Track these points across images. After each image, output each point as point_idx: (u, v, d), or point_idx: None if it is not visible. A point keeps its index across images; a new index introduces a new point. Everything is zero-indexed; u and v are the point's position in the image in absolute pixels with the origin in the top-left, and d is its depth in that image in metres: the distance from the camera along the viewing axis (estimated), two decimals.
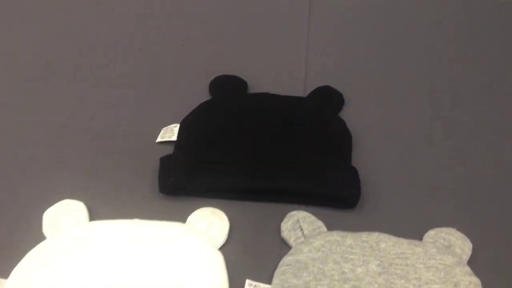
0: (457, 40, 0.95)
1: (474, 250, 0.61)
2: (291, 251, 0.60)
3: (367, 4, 1.03)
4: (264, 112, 0.76)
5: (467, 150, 0.75)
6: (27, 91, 0.82)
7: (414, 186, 0.70)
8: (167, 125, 0.75)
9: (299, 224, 0.62)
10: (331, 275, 0.57)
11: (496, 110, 0.81)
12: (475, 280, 0.57)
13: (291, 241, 0.61)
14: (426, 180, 0.71)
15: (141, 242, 0.59)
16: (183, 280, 0.56)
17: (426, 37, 0.95)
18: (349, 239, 0.60)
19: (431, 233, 0.62)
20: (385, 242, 0.60)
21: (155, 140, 0.73)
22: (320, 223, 0.63)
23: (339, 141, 0.73)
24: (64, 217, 0.61)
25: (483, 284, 0.57)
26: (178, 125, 0.74)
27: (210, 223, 0.61)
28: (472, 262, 0.60)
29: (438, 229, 0.63)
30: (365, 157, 0.73)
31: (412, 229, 0.63)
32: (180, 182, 0.65)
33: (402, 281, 0.56)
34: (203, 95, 0.81)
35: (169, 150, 0.71)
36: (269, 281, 0.57)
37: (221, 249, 0.60)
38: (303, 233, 0.61)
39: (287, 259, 0.58)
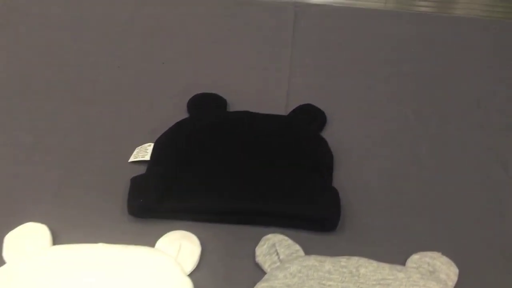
0: (444, 57, 0.93)
1: (460, 276, 0.58)
2: (265, 277, 0.56)
3: (352, 23, 1.01)
4: (242, 130, 0.73)
5: (455, 170, 0.72)
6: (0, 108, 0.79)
7: (398, 208, 0.67)
8: (142, 144, 0.72)
9: (275, 248, 0.59)
10: None
11: (484, 129, 0.79)
12: None
13: (266, 266, 0.58)
14: (411, 201, 0.67)
15: (105, 268, 0.55)
16: None
17: (410, 55, 0.93)
18: (328, 264, 0.57)
19: (415, 257, 0.59)
20: (366, 267, 0.56)
21: (129, 159, 0.70)
22: (297, 247, 0.59)
23: (320, 160, 0.70)
24: (26, 241, 0.58)
25: None
26: (152, 144, 0.71)
27: (179, 247, 0.58)
28: None
29: (423, 253, 0.59)
30: (347, 177, 0.70)
31: (395, 253, 0.60)
32: (150, 204, 0.62)
33: None
34: (182, 114, 0.78)
35: (142, 170, 0.68)
36: None
37: (192, 274, 0.57)
38: (279, 257, 0.58)
39: (260, 286, 0.55)
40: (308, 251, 0.59)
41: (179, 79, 0.87)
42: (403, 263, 0.59)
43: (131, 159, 0.70)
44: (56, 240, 0.59)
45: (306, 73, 0.89)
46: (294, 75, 0.88)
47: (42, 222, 0.60)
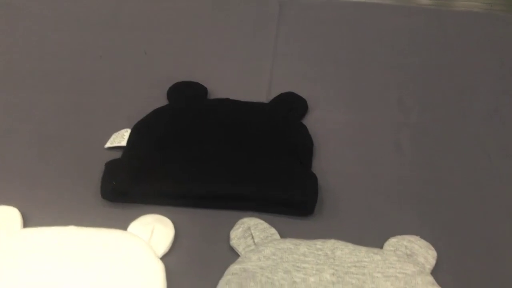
0: (426, 47, 0.92)
1: (438, 259, 0.57)
2: (239, 259, 0.55)
3: (336, 13, 1.00)
4: (221, 117, 0.72)
5: (434, 156, 0.71)
6: None
7: (377, 193, 0.66)
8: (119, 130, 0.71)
9: (250, 231, 0.58)
10: (281, 285, 0.52)
11: (465, 118, 0.78)
12: None
13: (241, 249, 0.56)
14: (390, 186, 0.66)
15: (75, 251, 0.54)
16: None
17: (393, 46, 0.92)
18: (303, 247, 0.56)
19: (393, 240, 0.58)
20: (341, 250, 0.55)
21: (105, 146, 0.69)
22: (273, 231, 0.58)
23: (300, 146, 0.69)
24: None
25: None
26: (129, 130, 0.70)
27: (152, 230, 0.57)
28: (436, 272, 0.55)
29: (400, 236, 0.58)
30: (327, 163, 0.69)
31: (373, 238, 0.59)
32: (122, 186, 0.60)
33: None
34: (162, 102, 0.77)
35: (118, 156, 0.67)
36: None
37: (165, 257, 0.56)
38: (254, 241, 0.57)
39: (233, 268, 0.54)
40: (284, 235, 0.58)
41: (161, 68, 0.85)
42: (381, 246, 0.57)
43: (107, 144, 0.69)
44: (27, 223, 0.58)
45: (289, 62, 0.88)
46: (277, 64, 0.87)
47: (13, 205, 0.59)
